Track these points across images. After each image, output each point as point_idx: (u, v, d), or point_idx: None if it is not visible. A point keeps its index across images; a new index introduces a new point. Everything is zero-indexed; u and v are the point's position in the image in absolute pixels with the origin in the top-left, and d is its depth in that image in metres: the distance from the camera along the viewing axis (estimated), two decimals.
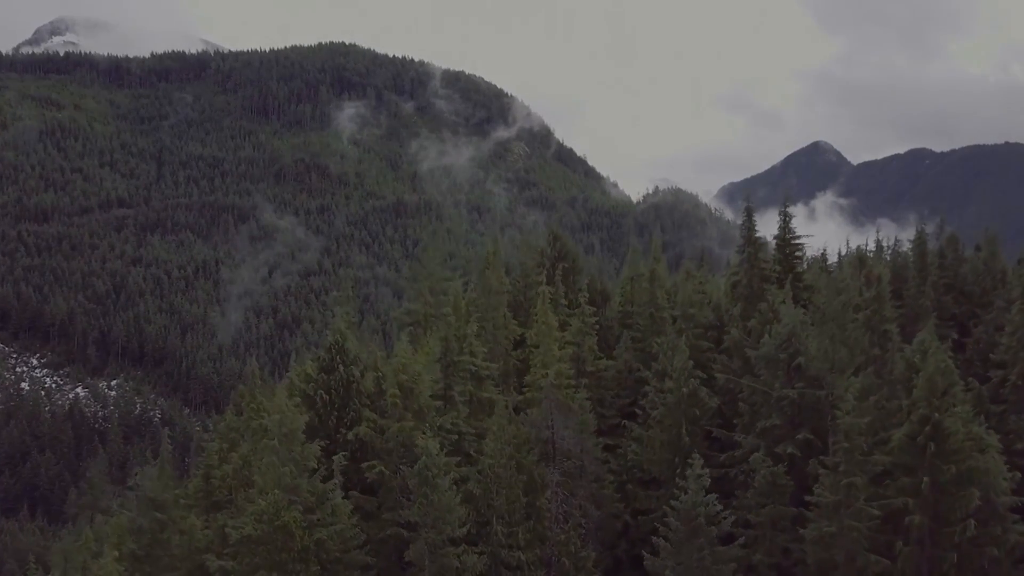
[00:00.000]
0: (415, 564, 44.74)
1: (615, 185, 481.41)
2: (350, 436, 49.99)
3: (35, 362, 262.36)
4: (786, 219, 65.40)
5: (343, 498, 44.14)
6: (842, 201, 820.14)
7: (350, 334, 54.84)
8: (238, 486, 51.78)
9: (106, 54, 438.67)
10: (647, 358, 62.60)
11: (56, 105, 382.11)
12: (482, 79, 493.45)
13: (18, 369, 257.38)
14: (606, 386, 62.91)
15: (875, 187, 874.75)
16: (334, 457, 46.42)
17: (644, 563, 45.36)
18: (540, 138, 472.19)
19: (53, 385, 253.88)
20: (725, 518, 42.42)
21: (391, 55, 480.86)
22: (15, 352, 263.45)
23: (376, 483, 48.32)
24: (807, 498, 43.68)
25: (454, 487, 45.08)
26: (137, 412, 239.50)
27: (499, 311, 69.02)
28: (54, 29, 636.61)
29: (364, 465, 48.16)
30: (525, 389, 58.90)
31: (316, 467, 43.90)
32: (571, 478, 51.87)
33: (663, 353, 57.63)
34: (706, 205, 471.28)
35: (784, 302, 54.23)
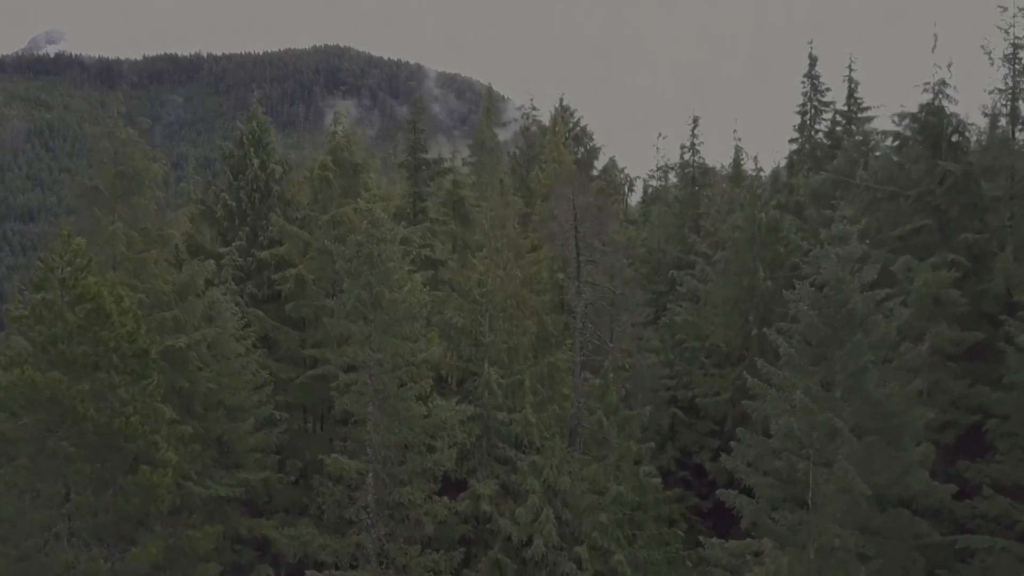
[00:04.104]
0: (352, 414, 26.93)
1: None
2: (263, 255, 32.32)
3: None
4: None
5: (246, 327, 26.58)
6: None
7: (269, 124, 37.03)
8: None
9: (97, 56, 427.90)
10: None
11: (45, 106, 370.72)
12: (478, 81, 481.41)
13: None
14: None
15: None
16: (223, 258, 28.82)
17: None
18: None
19: None
20: None
21: (385, 57, 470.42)
22: None
23: (296, 304, 30.63)
24: None
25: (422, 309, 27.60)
26: None
27: (495, 173, 50.67)
28: (49, 39, 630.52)
29: (276, 276, 30.44)
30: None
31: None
32: (600, 315, 33.94)
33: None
34: None
35: None
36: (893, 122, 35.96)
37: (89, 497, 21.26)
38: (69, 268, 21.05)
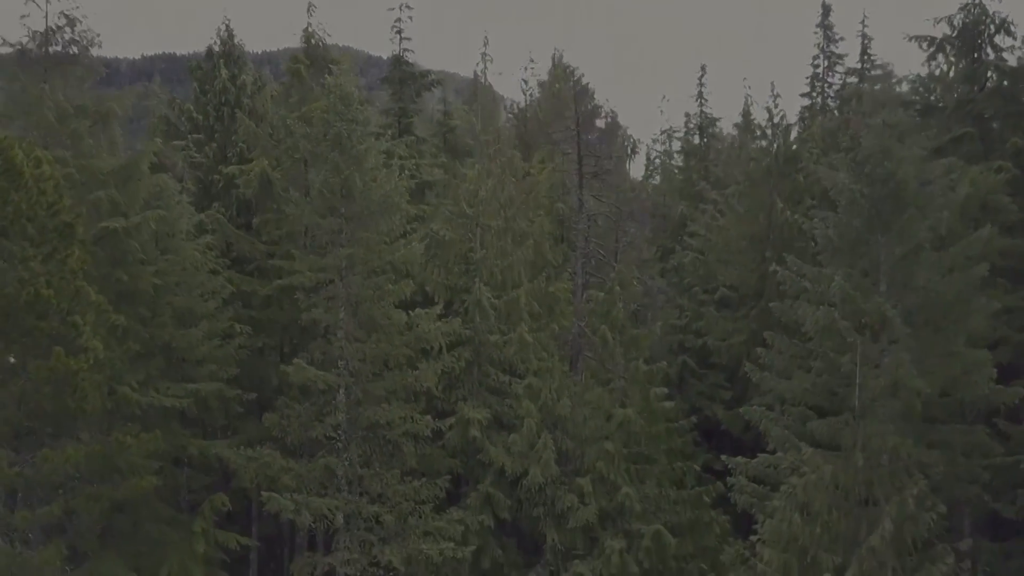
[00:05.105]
0: (322, 325, 23.46)
1: None
2: (231, 170, 28.87)
3: None
4: None
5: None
6: None
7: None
8: None
9: (95, 55, 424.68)
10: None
11: None
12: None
13: None
14: None
15: None
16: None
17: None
18: None
19: None
20: None
21: (384, 56, 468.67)
22: None
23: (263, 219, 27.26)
24: None
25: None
26: None
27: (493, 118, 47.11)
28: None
29: (238, 169, 26.96)
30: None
31: None
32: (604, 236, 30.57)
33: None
34: None
35: None
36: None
37: None
38: None
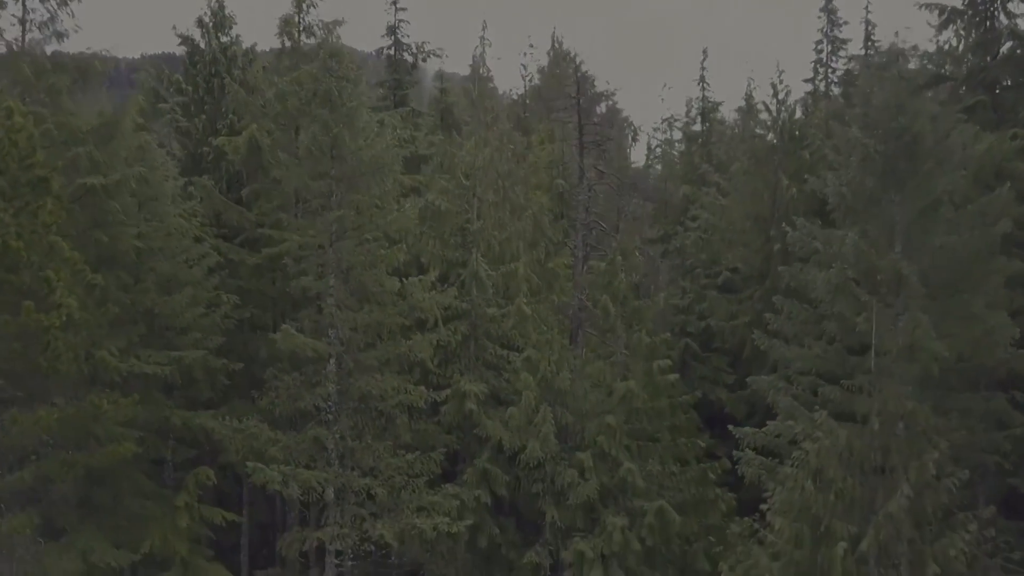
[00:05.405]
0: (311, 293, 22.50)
1: None
2: (220, 141, 27.93)
3: None
4: None
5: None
6: None
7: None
8: None
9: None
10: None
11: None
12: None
13: None
14: None
15: None
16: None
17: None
18: None
19: None
20: None
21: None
22: None
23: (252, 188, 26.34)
24: None
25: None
26: None
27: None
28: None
29: (227, 140, 26.03)
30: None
31: None
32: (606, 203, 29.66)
33: None
34: None
35: None
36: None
37: None
38: None
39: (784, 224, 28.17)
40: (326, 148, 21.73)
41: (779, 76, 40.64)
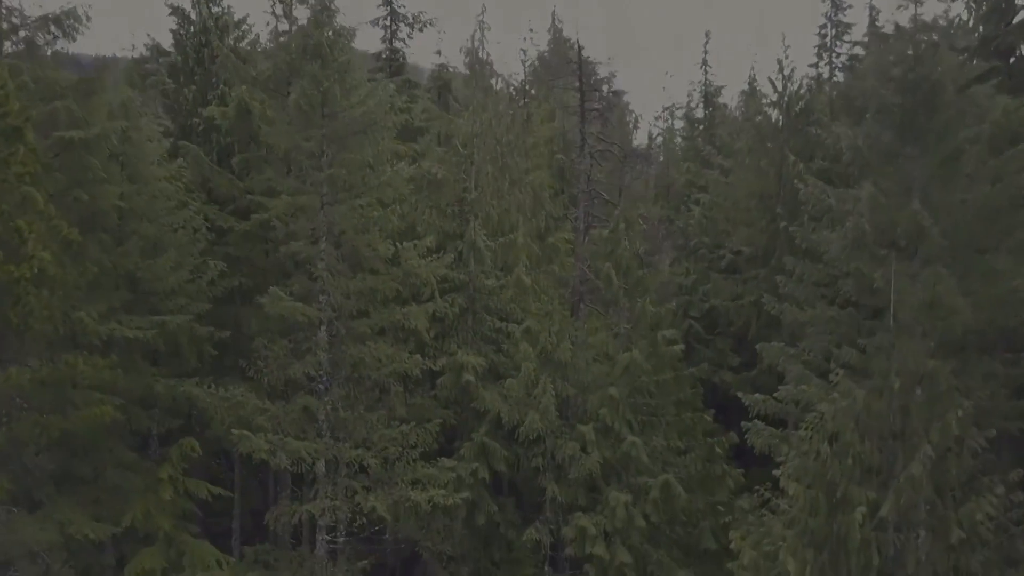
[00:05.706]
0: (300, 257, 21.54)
1: None
2: (211, 111, 26.97)
3: None
4: None
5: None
6: None
7: None
8: None
9: (93, 54, 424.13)
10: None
11: None
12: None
13: None
14: None
15: None
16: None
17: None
18: None
19: None
20: None
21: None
22: None
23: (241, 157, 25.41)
24: None
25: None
26: None
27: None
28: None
29: (218, 110, 25.10)
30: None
31: None
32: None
33: None
34: None
35: None
36: None
37: None
38: None
39: (789, 212, 27.36)
40: (316, 104, 20.79)
41: (784, 52, 39.88)
